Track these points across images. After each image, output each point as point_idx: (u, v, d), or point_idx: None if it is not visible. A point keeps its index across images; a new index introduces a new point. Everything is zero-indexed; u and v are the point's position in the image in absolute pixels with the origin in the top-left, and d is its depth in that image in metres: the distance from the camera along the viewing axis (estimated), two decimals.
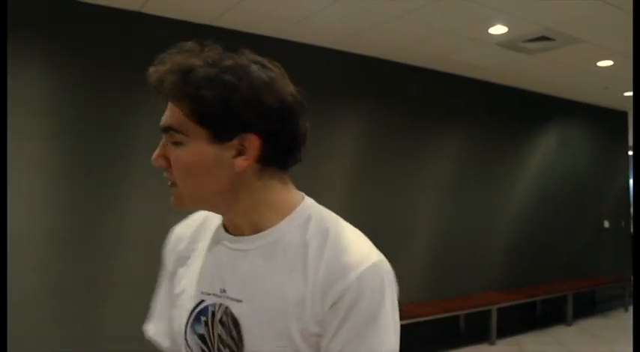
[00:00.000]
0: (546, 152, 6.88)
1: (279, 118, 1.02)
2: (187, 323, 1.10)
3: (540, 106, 6.77)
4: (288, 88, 1.09)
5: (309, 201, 1.16)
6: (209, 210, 1.14)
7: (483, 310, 5.61)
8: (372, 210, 5.25)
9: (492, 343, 5.60)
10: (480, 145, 6.12)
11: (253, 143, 1.01)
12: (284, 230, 1.06)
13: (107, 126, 3.97)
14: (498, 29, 4.41)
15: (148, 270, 3.97)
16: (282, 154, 1.07)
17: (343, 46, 4.92)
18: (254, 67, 1.03)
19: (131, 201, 4.05)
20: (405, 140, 5.50)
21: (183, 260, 1.20)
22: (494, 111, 6.28)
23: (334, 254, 1.02)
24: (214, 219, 1.17)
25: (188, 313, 1.10)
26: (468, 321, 5.88)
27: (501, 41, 4.70)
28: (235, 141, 1.01)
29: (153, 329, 1.27)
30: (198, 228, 1.22)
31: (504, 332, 5.82)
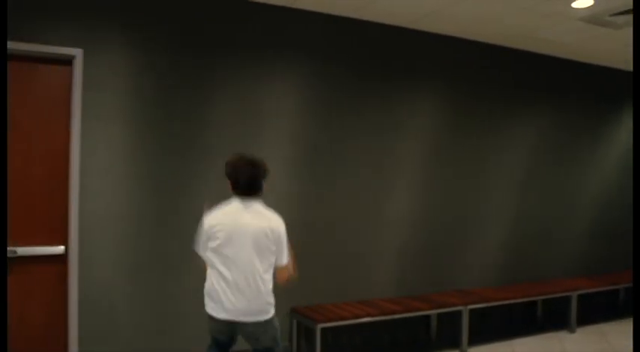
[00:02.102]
0: (630, 134, 6.52)
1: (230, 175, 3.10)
2: None
3: (626, 86, 6.41)
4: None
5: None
6: None
7: (562, 296, 5.42)
8: (446, 194, 5.17)
9: (572, 330, 5.41)
10: (559, 127, 5.87)
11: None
12: None
13: (188, 108, 4.10)
14: (582, 3, 4.21)
15: None
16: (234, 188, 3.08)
17: (417, 24, 4.84)
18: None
19: (209, 182, 4.17)
20: (481, 123, 5.37)
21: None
22: (575, 91, 6.01)
23: None
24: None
25: None
26: (545, 308, 5.72)
27: (585, 16, 4.49)
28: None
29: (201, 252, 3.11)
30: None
31: (584, 319, 5.62)
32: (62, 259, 3.79)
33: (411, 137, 5.00)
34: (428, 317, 5.05)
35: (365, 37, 4.74)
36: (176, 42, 4.06)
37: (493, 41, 5.30)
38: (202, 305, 4.08)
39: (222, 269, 2.96)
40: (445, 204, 5.18)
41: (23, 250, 3.69)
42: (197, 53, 4.11)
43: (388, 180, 4.89)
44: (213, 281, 3.01)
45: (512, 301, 5.08)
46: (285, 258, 3.10)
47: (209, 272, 3.06)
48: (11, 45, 3.58)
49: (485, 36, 5.16)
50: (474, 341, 4.93)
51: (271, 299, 3.02)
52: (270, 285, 3.03)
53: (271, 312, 3.02)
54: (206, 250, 3.05)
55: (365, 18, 4.67)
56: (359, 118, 4.74)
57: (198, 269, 4.14)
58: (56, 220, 3.80)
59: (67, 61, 3.79)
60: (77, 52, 3.76)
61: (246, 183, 3.05)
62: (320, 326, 4.14)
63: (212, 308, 3.03)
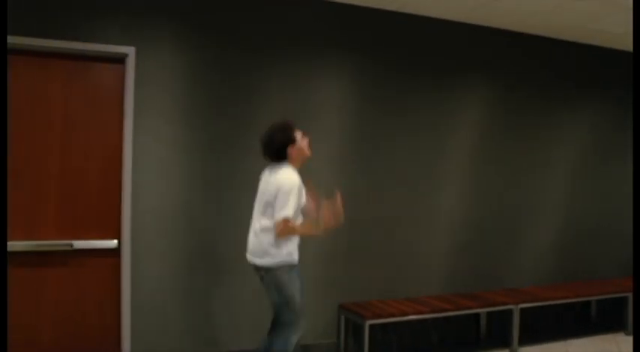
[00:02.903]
0: None
1: None
2: None
3: None
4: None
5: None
6: None
7: (619, 297, 5.23)
8: (495, 192, 5.07)
9: (629, 332, 5.22)
10: (610, 123, 5.66)
11: None
12: None
13: (237, 105, 4.13)
14: None
15: None
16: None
17: (466, 17, 4.76)
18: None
19: (256, 178, 4.20)
20: (531, 119, 5.22)
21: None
22: (630, 85, 5.80)
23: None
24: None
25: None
26: (600, 308, 5.53)
27: None
28: None
29: (294, 214, 3.23)
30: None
31: None
32: (115, 252, 3.88)
33: (461, 134, 4.91)
34: (477, 315, 4.95)
35: (410, 31, 4.68)
36: (225, 40, 4.10)
37: (546, 33, 5.15)
38: (253, 302, 4.14)
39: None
40: (495, 202, 5.07)
41: (79, 243, 3.79)
42: (245, 51, 4.15)
43: (437, 177, 4.82)
44: None
45: (564, 301, 4.92)
46: (280, 212, 3.16)
47: None
48: (66, 44, 3.71)
49: (537, 29, 5.02)
50: (524, 340, 4.81)
51: (271, 250, 3.22)
52: (269, 237, 3.23)
53: (272, 262, 3.22)
54: None
55: (408, 11, 4.61)
56: (407, 115, 4.68)
57: (246, 268, 4.20)
58: (110, 215, 3.89)
59: (120, 59, 3.87)
60: (130, 50, 3.84)
61: (263, 148, 3.35)
62: (368, 322, 4.11)
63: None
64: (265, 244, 3.25)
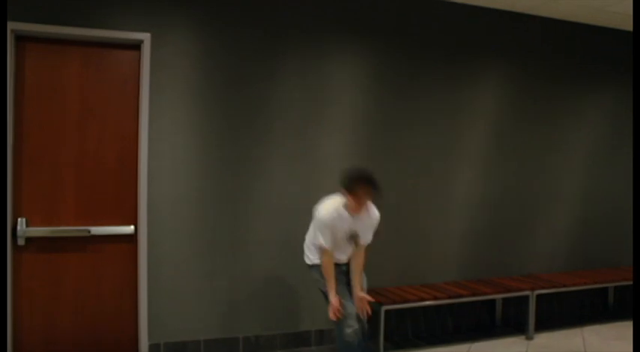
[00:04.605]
0: None
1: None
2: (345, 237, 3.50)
3: None
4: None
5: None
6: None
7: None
8: (512, 177, 5.02)
9: None
10: (631, 109, 5.58)
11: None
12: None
13: (253, 91, 4.12)
14: None
15: (287, 226, 4.16)
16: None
17: (487, 2, 4.71)
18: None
19: (274, 163, 4.20)
20: (548, 103, 5.16)
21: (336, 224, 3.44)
22: None
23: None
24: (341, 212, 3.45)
25: (345, 235, 3.48)
26: (617, 295, 5.50)
27: None
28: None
29: (329, 244, 3.43)
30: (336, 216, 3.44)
31: None
32: (132, 238, 3.91)
33: (477, 120, 4.86)
34: (493, 301, 4.94)
35: (426, 15, 4.63)
36: (240, 25, 4.08)
37: (565, 17, 5.07)
38: (269, 286, 4.17)
39: None
40: (511, 188, 5.04)
41: (96, 229, 3.82)
42: (262, 36, 4.13)
43: (454, 163, 4.79)
44: None
45: (581, 287, 4.89)
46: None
47: None
48: (82, 31, 3.71)
49: (555, 12, 4.94)
50: (540, 326, 4.80)
51: (308, 252, 3.63)
52: (310, 247, 3.61)
53: (308, 261, 3.63)
54: None
55: None
56: (423, 100, 4.65)
57: (263, 251, 4.21)
58: (126, 201, 3.91)
59: (136, 46, 3.87)
60: (145, 37, 3.84)
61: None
62: (384, 308, 4.11)
63: None
64: (306, 249, 3.67)
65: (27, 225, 3.70)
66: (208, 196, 4.03)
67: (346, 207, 3.42)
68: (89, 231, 3.81)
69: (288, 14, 4.20)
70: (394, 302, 4.15)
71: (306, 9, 4.25)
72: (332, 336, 4.39)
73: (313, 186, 4.27)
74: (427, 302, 4.26)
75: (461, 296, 4.37)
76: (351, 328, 3.42)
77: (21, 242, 3.69)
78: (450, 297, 4.32)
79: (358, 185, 3.35)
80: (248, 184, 4.11)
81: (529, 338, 4.64)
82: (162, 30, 3.88)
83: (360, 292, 3.56)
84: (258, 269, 4.18)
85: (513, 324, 4.93)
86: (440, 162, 4.73)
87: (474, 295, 4.42)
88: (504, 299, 4.94)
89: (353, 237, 3.52)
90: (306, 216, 4.27)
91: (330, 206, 3.45)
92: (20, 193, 3.70)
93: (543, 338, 4.67)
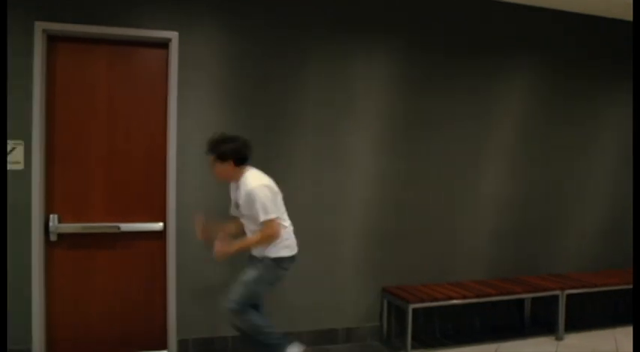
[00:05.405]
0: None
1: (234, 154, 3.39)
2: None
3: None
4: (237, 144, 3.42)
5: (248, 170, 3.47)
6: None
7: None
8: (541, 176, 4.94)
9: None
10: None
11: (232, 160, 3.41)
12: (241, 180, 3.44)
13: (281, 87, 4.13)
14: None
15: (314, 223, 4.14)
16: (237, 161, 3.42)
17: None
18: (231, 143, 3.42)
19: (304, 161, 4.20)
20: (577, 103, 5.04)
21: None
22: None
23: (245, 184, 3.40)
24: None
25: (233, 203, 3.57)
26: None
27: None
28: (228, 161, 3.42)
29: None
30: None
31: None
32: (161, 235, 3.95)
33: (506, 119, 4.79)
34: (521, 301, 4.87)
35: (453, 11, 4.58)
36: (268, 24, 4.09)
37: (586, 11, 4.96)
38: (296, 283, 4.17)
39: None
40: (540, 187, 4.95)
41: (126, 226, 3.87)
42: (289, 34, 4.13)
43: (482, 162, 4.73)
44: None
45: (612, 288, 4.79)
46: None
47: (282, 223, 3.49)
48: (110, 30, 3.76)
49: (574, 6, 4.84)
50: (570, 327, 4.72)
51: None
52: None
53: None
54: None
55: None
56: (451, 98, 4.60)
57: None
58: (155, 197, 3.95)
59: (164, 44, 3.91)
60: (173, 35, 3.87)
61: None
62: (412, 306, 4.08)
63: None
64: None
65: (59, 222, 3.77)
66: None
67: None
68: (119, 228, 3.85)
69: (313, 13, 4.19)
70: (422, 301, 4.12)
71: (331, 8, 4.24)
72: (359, 334, 4.39)
73: (339, 183, 4.26)
74: (455, 301, 4.21)
75: (490, 295, 4.32)
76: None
77: (53, 238, 3.75)
78: (478, 296, 4.27)
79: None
80: (275, 180, 4.11)
81: (559, 338, 4.57)
82: (189, 28, 3.90)
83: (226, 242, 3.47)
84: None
85: (542, 324, 4.85)
86: (470, 162, 4.68)
87: (502, 294, 4.36)
88: (533, 299, 4.87)
89: (237, 207, 3.50)
90: (333, 213, 4.28)
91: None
92: (52, 190, 3.76)
93: (574, 339, 4.59)
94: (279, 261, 3.47)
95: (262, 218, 3.34)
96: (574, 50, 5.00)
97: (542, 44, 4.89)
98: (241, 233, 3.58)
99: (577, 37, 5.01)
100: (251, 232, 3.50)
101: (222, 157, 3.39)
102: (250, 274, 3.47)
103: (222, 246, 3.44)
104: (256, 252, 3.51)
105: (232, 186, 3.56)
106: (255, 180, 3.40)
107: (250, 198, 3.35)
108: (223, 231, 3.53)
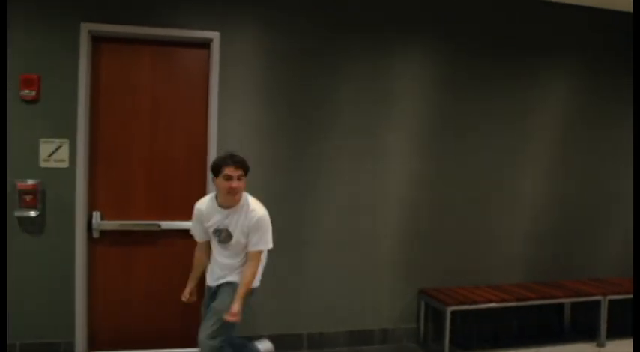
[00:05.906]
0: None
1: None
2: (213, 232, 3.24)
3: None
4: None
5: (246, 196, 3.21)
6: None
7: None
8: (581, 179, 4.84)
9: None
10: None
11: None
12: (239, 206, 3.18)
13: (319, 90, 4.14)
14: None
15: (351, 224, 4.13)
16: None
17: None
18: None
19: (341, 163, 4.20)
20: (619, 106, 4.92)
21: (205, 218, 3.24)
22: None
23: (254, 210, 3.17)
24: (207, 207, 3.27)
25: (213, 230, 3.22)
26: None
27: None
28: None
29: (199, 236, 3.37)
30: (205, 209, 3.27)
31: None
32: None
33: (545, 120, 4.70)
34: (561, 305, 4.78)
35: (493, 12, 4.52)
36: (308, 24, 4.09)
37: (623, 7, 4.83)
38: (333, 283, 4.15)
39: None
40: (579, 189, 4.85)
41: (166, 224, 3.92)
42: (329, 35, 4.13)
43: (521, 164, 4.65)
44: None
45: None
46: None
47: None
48: (153, 31, 3.81)
49: (611, 3, 4.73)
50: (612, 333, 4.60)
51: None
52: None
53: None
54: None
55: None
56: (488, 100, 4.54)
57: (327, 248, 4.21)
58: (195, 196, 3.92)
59: (205, 44, 3.94)
60: (214, 36, 3.90)
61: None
62: (450, 308, 4.04)
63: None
64: None
65: (101, 219, 3.83)
66: (274, 193, 4.06)
67: (217, 197, 3.20)
68: (159, 226, 3.90)
69: (353, 13, 4.19)
70: (461, 303, 4.07)
71: (370, 8, 4.22)
72: (395, 336, 4.37)
73: (376, 183, 4.25)
74: (494, 304, 4.16)
75: (530, 298, 4.25)
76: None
77: (96, 234, 3.83)
78: (517, 300, 4.20)
79: (217, 169, 3.12)
80: (314, 182, 4.12)
81: (600, 344, 4.47)
82: (231, 29, 3.94)
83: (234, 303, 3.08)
84: (322, 266, 4.18)
85: (583, 330, 4.75)
86: (508, 163, 4.61)
87: (542, 298, 4.29)
88: (572, 303, 4.77)
89: (221, 233, 3.18)
90: (369, 213, 4.26)
91: (207, 195, 3.34)
92: (95, 188, 3.83)
93: (615, 346, 4.49)
94: (253, 291, 3.28)
95: (262, 247, 3.18)
96: (614, 53, 4.88)
97: (584, 47, 4.78)
98: (206, 261, 3.40)
99: (619, 39, 4.89)
100: (226, 257, 3.24)
101: (246, 174, 3.17)
102: (227, 303, 3.11)
103: (235, 311, 3.05)
104: (232, 277, 3.24)
105: (217, 210, 3.18)
106: (260, 207, 3.19)
107: (259, 225, 3.13)
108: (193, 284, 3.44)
